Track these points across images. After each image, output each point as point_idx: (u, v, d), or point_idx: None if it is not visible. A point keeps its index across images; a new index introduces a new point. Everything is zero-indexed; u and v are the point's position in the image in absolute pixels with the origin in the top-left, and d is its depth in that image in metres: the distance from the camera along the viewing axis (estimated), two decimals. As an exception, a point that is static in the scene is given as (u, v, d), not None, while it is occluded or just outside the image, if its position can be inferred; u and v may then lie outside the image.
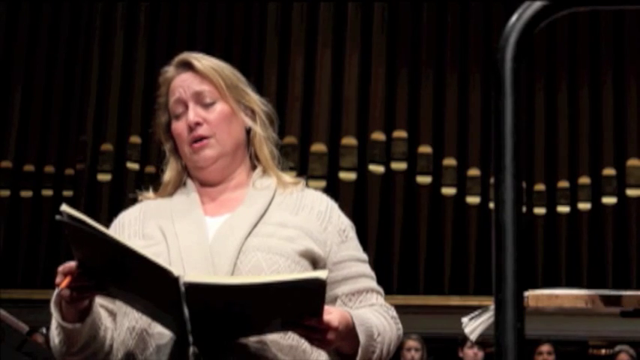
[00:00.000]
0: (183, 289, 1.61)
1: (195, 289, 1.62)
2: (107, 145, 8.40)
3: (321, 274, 1.65)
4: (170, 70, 2.00)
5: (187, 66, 1.97)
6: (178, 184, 2.01)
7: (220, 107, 1.95)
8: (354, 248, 1.96)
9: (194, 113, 1.93)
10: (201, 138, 1.93)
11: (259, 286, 1.65)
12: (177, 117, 1.96)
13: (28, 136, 8.59)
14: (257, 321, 1.74)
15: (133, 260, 1.65)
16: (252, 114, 1.99)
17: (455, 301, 7.69)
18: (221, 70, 1.97)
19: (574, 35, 8.27)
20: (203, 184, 1.99)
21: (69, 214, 1.64)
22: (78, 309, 1.78)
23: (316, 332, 1.69)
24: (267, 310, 1.69)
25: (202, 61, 1.97)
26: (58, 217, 1.64)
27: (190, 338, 1.66)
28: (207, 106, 1.95)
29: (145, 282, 1.69)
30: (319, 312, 1.68)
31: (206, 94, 1.95)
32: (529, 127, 8.11)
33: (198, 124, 1.93)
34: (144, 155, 8.32)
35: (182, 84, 1.96)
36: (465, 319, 2.16)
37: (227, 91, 1.96)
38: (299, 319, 1.68)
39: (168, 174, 2.02)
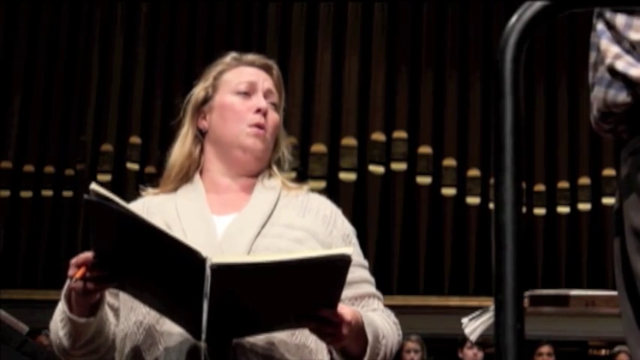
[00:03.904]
0: (209, 271, 1.59)
1: (221, 271, 1.60)
2: (107, 146, 8.40)
3: (347, 250, 1.65)
4: (237, 57, 2.05)
5: (264, 68, 2.04)
6: (183, 173, 1.99)
7: (278, 116, 2.02)
8: (357, 254, 1.96)
9: (266, 103, 1.99)
10: (263, 127, 1.97)
11: (287, 263, 1.63)
12: (240, 95, 1.99)
13: (28, 136, 8.59)
14: (272, 313, 1.72)
15: (159, 241, 1.62)
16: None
17: (455, 301, 7.69)
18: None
19: (574, 35, 8.27)
20: (221, 173, 1.98)
21: (97, 192, 1.62)
22: (89, 303, 1.77)
23: (330, 326, 1.69)
24: (285, 297, 1.68)
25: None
26: (86, 196, 1.62)
27: (203, 335, 1.64)
28: (271, 107, 2.00)
29: (168, 266, 1.65)
30: (335, 302, 1.68)
31: (275, 98, 2.03)
32: (529, 127, 8.11)
33: (266, 114, 1.97)
34: (144, 155, 8.32)
35: (258, 76, 2.02)
36: (464, 320, 2.16)
37: (281, 110, 2.05)
38: (314, 309, 1.67)
39: (178, 153, 2.00)
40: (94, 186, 1.63)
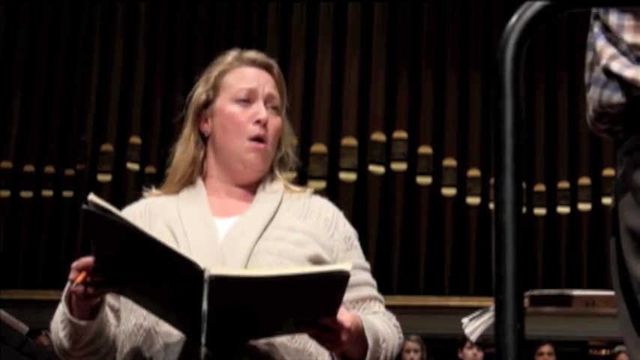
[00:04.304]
0: (207, 282, 1.60)
1: (219, 282, 1.60)
2: (107, 146, 8.40)
3: (345, 266, 1.64)
4: (238, 57, 2.01)
5: (265, 67, 2.00)
6: (186, 178, 1.98)
7: (279, 120, 1.98)
8: (358, 256, 1.96)
9: (266, 112, 1.95)
10: (262, 140, 1.94)
11: (285, 278, 1.63)
12: (240, 103, 1.96)
13: (28, 136, 8.59)
14: (272, 320, 1.72)
15: (158, 252, 1.62)
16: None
17: (455, 301, 7.69)
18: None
19: (574, 35, 8.27)
20: (222, 180, 1.97)
21: (95, 203, 1.62)
22: (89, 306, 1.77)
23: (329, 332, 1.69)
24: (284, 307, 1.68)
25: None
26: (84, 206, 1.62)
27: (203, 339, 1.65)
28: (272, 112, 1.97)
29: (166, 276, 1.66)
30: (334, 310, 1.68)
31: (277, 101, 1.99)
32: (529, 127, 8.11)
33: (266, 124, 1.94)
34: (144, 155, 8.32)
35: (259, 78, 1.98)
36: (465, 320, 2.17)
37: (283, 109, 2.01)
38: (314, 317, 1.67)
39: (181, 157, 1.99)
40: (92, 197, 1.64)
